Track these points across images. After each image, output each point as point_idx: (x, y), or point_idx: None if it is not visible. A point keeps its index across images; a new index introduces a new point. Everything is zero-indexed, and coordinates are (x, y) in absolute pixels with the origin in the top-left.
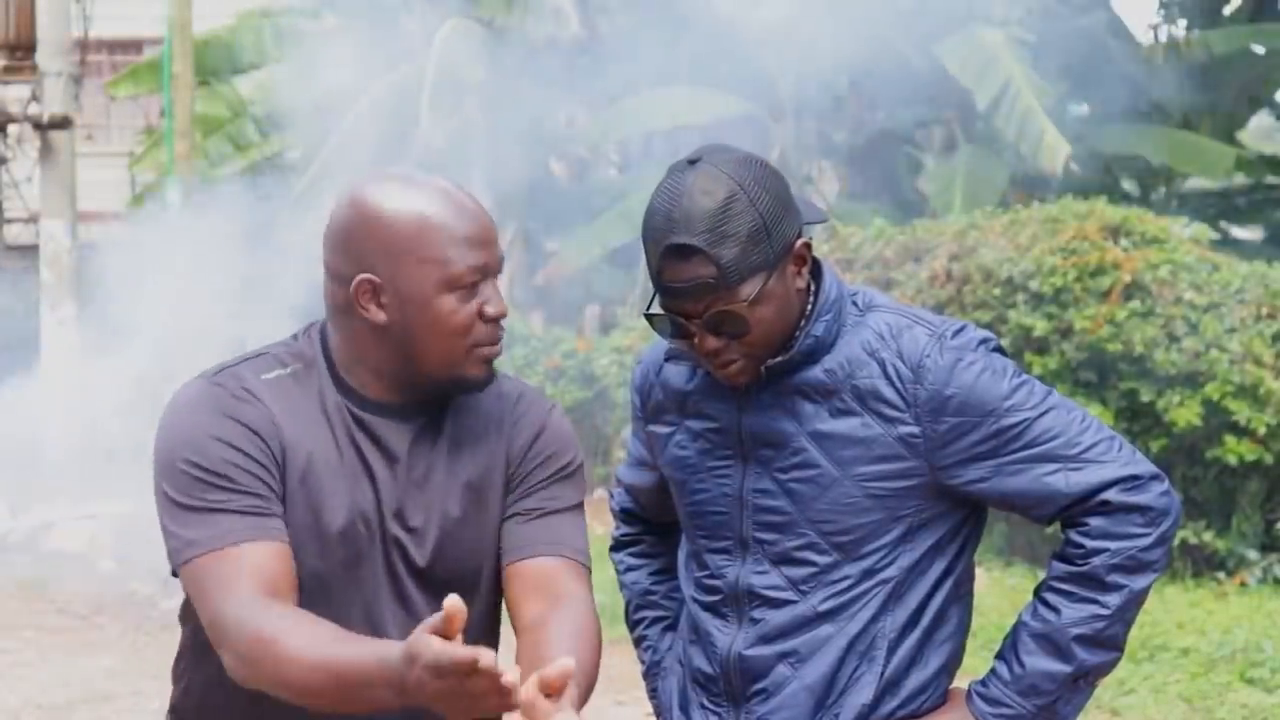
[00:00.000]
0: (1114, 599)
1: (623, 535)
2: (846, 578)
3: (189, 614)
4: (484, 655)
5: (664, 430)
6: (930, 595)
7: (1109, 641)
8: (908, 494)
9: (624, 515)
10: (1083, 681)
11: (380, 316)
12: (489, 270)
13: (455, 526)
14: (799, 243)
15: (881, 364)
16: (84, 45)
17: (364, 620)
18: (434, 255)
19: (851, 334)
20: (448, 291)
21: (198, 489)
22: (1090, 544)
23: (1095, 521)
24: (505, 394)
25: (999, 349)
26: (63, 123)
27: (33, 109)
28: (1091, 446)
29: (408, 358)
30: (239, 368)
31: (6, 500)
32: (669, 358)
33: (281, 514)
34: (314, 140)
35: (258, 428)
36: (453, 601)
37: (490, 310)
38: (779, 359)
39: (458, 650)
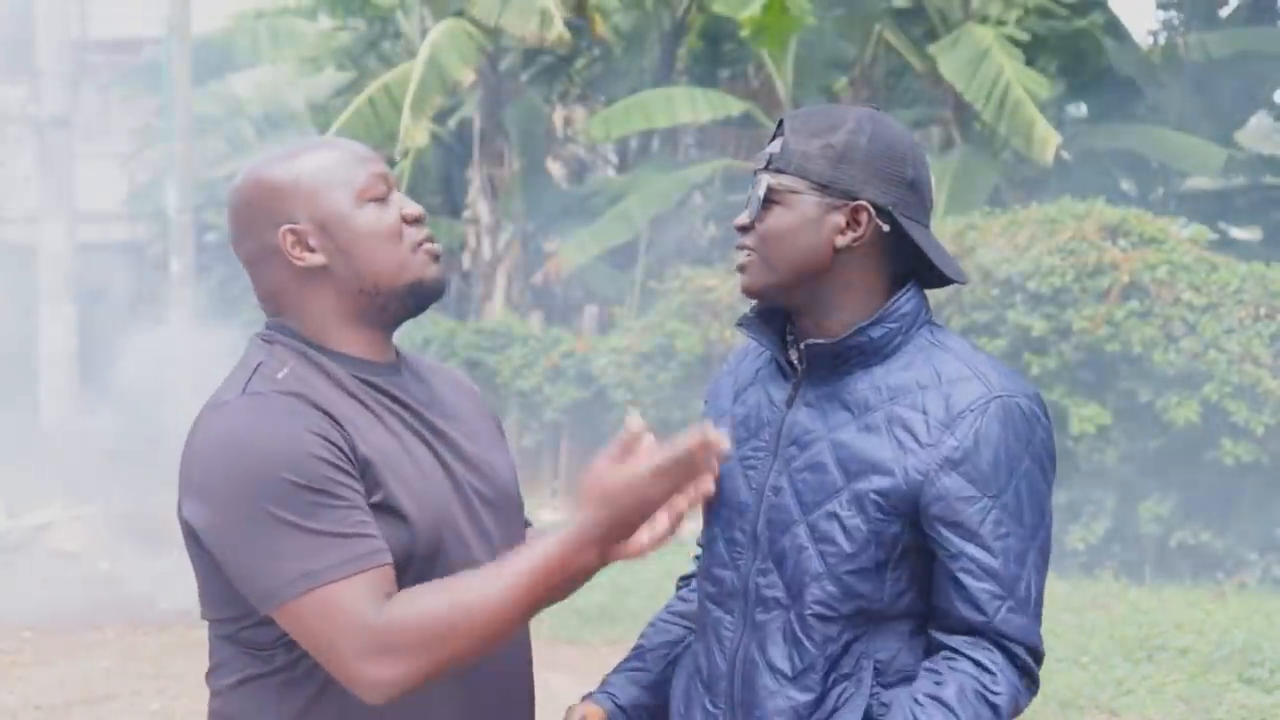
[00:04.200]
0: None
1: None
2: (832, 593)
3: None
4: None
5: (714, 417)
6: (917, 623)
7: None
8: (895, 519)
9: None
10: None
11: (318, 259)
12: (389, 180)
13: (499, 460)
14: (859, 203)
15: (925, 399)
16: (82, 45)
17: (461, 553)
18: (337, 179)
19: (911, 359)
20: (363, 205)
21: (308, 511)
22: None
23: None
24: (439, 366)
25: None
26: (60, 123)
27: (30, 109)
28: (1032, 600)
29: (361, 284)
30: (254, 382)
31: (5, 501)
32: (739, 325)
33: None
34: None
35: (329, 432)
36: (635, 421)
37: (409, 211)
38: (822, 341)
39: (678, 443)
